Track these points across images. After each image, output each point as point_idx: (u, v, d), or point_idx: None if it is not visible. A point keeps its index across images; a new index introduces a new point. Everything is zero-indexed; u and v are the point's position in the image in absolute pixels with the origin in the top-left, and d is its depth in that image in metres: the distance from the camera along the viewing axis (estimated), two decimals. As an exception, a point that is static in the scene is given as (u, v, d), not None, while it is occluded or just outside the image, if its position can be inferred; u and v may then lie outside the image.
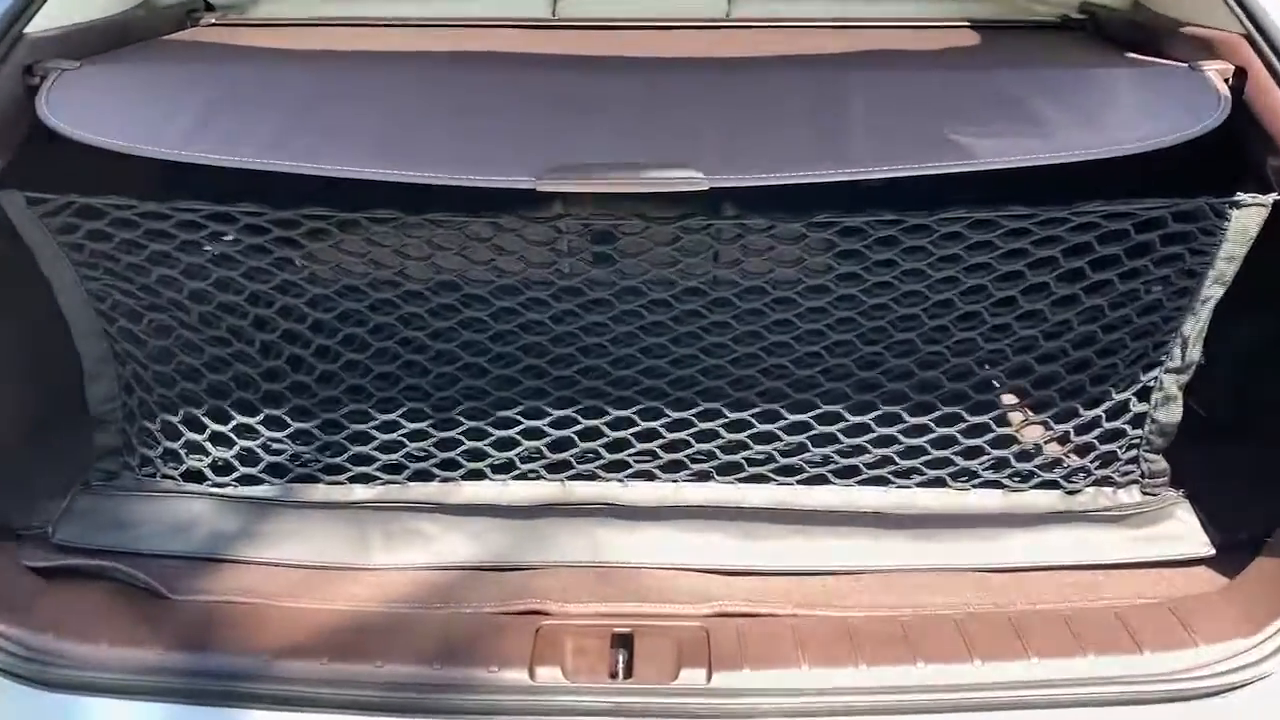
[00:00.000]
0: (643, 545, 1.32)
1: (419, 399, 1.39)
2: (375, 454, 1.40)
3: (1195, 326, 1.30)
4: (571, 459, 1.40)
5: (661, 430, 1.39)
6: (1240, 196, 1.19)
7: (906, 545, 1.33)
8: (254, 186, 1.25)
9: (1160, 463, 1.40)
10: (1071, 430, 1.38)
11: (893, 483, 1.40)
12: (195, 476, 1.42)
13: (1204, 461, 1.41)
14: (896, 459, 1.38)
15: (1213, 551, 1.30)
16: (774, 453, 1.39)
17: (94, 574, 1.28)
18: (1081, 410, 1.37)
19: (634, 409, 1.38)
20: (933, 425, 1.37)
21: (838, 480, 1.40)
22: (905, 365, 1.37)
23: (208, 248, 1.31)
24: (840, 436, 1.38)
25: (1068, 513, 1.38)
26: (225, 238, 1.31)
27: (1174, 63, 1.33)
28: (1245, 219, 1.20)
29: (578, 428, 1.39)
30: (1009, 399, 1.43)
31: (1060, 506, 1.39)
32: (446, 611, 1.23)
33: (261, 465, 1.41)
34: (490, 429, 1.39)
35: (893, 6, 1.85)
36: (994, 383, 1.42)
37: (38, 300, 1.34)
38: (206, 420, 1.40)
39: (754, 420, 1.38)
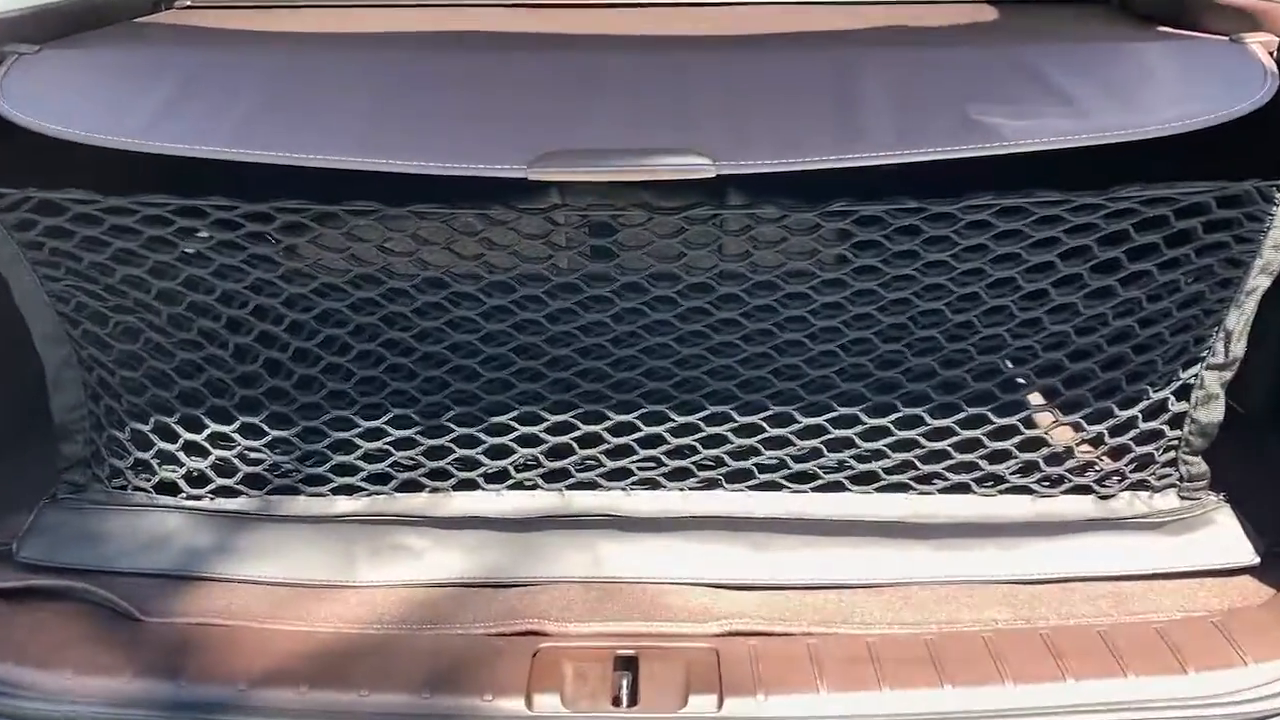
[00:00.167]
0: (647, 559, 1.27)
1: (406, 404, 1.34)
2: (360, 463, 1.35)
3: (1239, 320, 1.24)
4: (570, 467, 1.35)
5: (666, 436, 1.33)
6: None
7: (929, 556, 1.28)
8: (230, 177, 1.19)
9: (1200, 465, 1.34)
10: (1105, 432, 1.33)
11: (913, 489, 1.34)
12: (169, 488, 1.37)
13: (1245, 462, 1.36)
14: (918, 464, 1.33)
15: (1257, 560, 1.25)
16: (786, 458, 1.34)
17: (60, 594, 1.23)
18: (1116, 410, 1.31)
19: (637, 413, 1.33)
20: (956, 428, 1.32)
21: (855, 487, 1.34)
22: (927, 364, 1.31)
23: (177, 244, 1.25)
24: (857, 441, 1.32)
25: (1101, 520, 1.32)
26: (197, 234, 1.25)
27: (1212, 36, 1.27)
28: None
29: (577, 434, 1.34)
30: (1038, 399, 1.37)
31: (1093, 513, 1.33)
32: (436, 633, 1.17)
33: (239, 476, 1.36)
34: (483, 436, 1.33)
35: None
36: (1022, 382, 1.36)
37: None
38: (179, 429, 1.35)
39: (765, 424, 1.33)
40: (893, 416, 1.32)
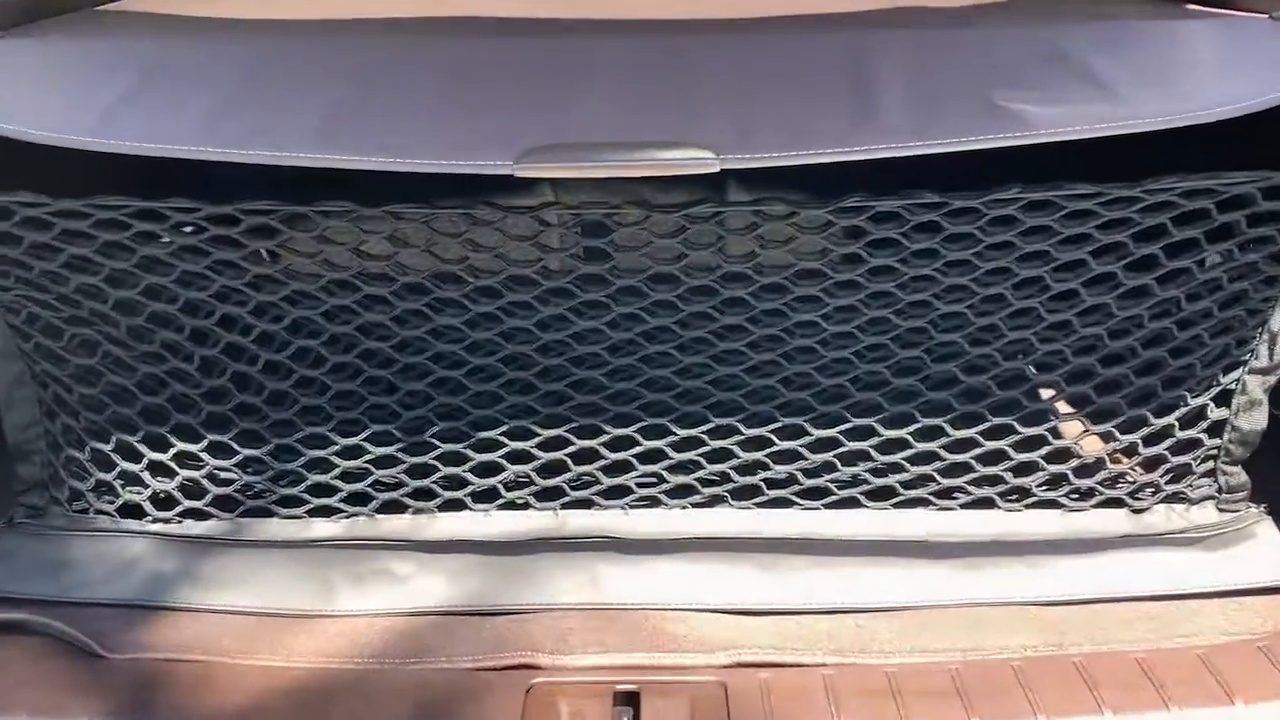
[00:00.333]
0: (648, 583, 1.22)
1: (387, 419, 1.28)
2: (338, 483, 1.29)
3: (1286, 320, 1.18)
4: (565, 485, 1.29)
5: (668, 450, 1.27)
6: None
7: (951, 576, 1.22)
8: (198, 177, 1.13)
9: (1240, 475, 1.28)
10: (1139, 441, 1.27)
11: (934, 504, 1.29)
12: (133, 512, 1.31)
13: (1286, 471, 1.30)
14: (938, 478, 1.27)
15: None
16: (797, 473, 1.28)
17: (16, 628, 1.16)
18: (1151, 418, 1.25)
19: (636, 427, 1.27)
20: (980, 439, 1.26)
21: (871, 503, 1.28)
22: (948, 371, 1.25)
23: (136, 250, 1.19)
24: (873, 453, 1.26)
25: (1135, 536, 1.26)
26: (160, 239, 1.19)
27: (1251, 13, 1.20)
28: None
29: (571, 449, 1.28)
30: (1066, 407, 1.31)
31: (1126, 528, 1.28)
32: (420, 668, 1.12)
33: (208, 498, 1.30)
34: (470, 452, 1.27)
35: None
36: (1050, 389, 1.30)
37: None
38: (143, 448, 1.28)
39: (774, 437, 1.27)
40: (911, 427, 1.26)
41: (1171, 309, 1.21)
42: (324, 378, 1.27)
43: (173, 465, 1.29)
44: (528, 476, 1.29)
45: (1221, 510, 1.29)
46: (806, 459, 1.27)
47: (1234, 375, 1.22)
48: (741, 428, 1.27)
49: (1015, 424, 1.25)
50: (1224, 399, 1.24)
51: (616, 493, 1.29)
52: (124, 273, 1.20)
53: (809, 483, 1.28)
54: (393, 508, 1.30)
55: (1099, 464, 1.29)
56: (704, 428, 1.27)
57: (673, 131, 1.03)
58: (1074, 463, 1.27)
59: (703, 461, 1.28)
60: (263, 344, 1.26)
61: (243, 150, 1.00)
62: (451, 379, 1.27)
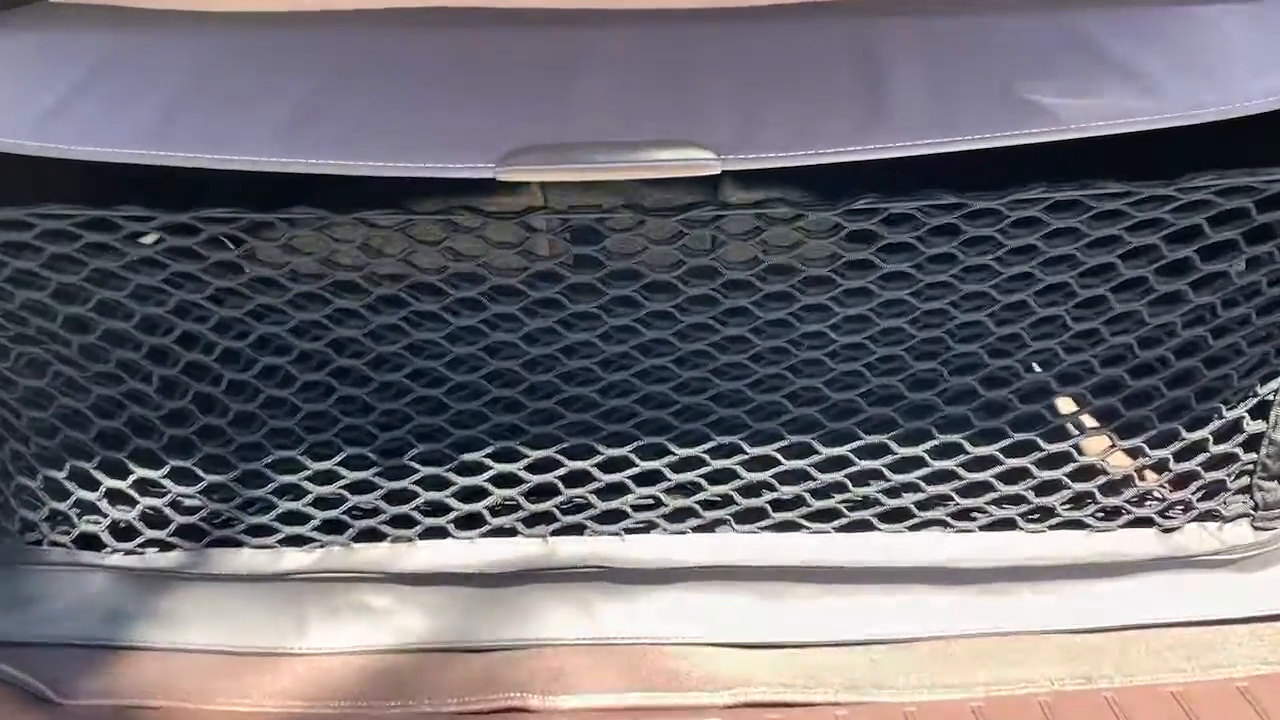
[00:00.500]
0: (645, 615, 1.18)
1: (362, 442, 1.21)
2: (310, 510, 1.22)
3: (1329, 327, 1.13)
4: (555, 510, 1.23)
5: (666, 472, 1.21)
6: None
7: (971, 604, 1.18)
8: (155, 183, 1.06)
9: (1277, 492, 1.22)
10: (1170, 456, 1.21)
11: (951, 526, 1.22)
12: (91, 543, 1.24)
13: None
14: (956, 498, 1.21)
15: None
16: (805, 495, 1.22)
17: (-37, 673, 1.11)
18: (1183, 432, 1.20)
19: (631, 447, 1.21)
20: (1000, 456, 1.20)
21: (884, 526, 1.22)
22: (966, 384, 1.19)
23: (86, 262, 1.12)
24: (887, 473, 1.20)
25: (1166, 558, 1.21)
26: (109, 249, 1.11)
27: None
28: None
29: (562, 471, 1.21)
30: (1093, 422, 1.25)
31: (1156, 550, 1.22)
32: (401, 710, 1.07)
33: (171, 528, 1.23)
34: (452, 476, 1.21)
35: None
36: (1076, 402, 1.24)
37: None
38: (100, 475, 1.22)
39: (780, 456, 1.21)
40: (927, 445, 1.20)
41: (1206, 315, 1.15)
42: (294, 398, 1.21)
43: (132, 493, 1.22)
44: (515, 501, 1.22)
45: (1257, 529, 1.23)
46: (815, 479, 1.21)
47: (1272, 385, 1.17)
48: (745, 446, 1.21)
49: (1038, 440, 1.19)
50: (1261, 411, 1.18)
51: (611, 518, 1.23)
52: (74, 287, 1.13)
53: (818, 505, 1.22)
54: (369, 536, 1.23)
55: (1127, 481, 1.23)
56: (705, 447, 1.21)
57: (670, 130, 0.97)
58: (1100, 480, 1.21)
59: (703, 483, 1.22)
60: (227, 362, 1.19)
61: (190, 154, 0.94)
62: (432, 398, 1.21)
